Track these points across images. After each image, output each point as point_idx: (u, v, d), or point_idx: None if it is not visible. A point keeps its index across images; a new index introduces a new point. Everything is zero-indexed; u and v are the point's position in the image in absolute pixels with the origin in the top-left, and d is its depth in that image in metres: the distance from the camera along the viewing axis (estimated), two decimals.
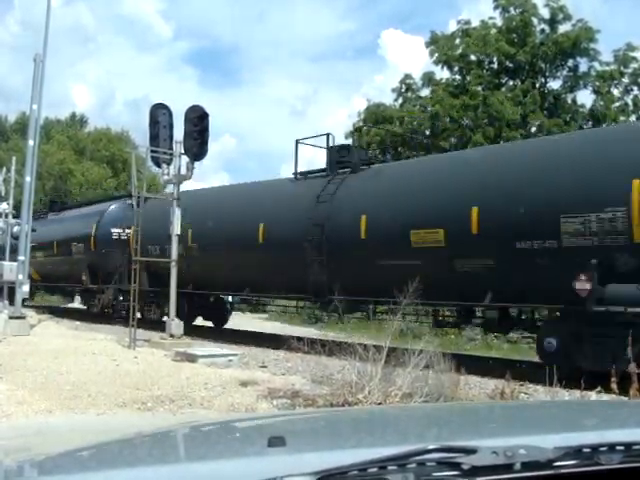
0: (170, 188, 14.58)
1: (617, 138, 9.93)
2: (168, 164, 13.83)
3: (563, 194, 9.29)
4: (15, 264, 14.62)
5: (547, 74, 26.16)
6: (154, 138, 13.65)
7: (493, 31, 25.96)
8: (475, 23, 26.81)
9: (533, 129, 24.40)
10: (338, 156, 13.76)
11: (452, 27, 31.54)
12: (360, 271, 11.78)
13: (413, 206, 11.19)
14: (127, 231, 18.27)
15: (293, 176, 14.48)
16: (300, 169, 14.48)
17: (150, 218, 14.43)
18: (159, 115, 13.71)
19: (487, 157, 11.56)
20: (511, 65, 25.80)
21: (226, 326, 18.29)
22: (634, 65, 24.42)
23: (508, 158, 10.84)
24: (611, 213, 8.86)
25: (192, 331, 14.77)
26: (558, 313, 10.16)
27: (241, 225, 13.66)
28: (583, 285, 8.96)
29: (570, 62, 25.31)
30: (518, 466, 1.09)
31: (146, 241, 16.24)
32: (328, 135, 14.23)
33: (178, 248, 13.07)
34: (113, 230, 19.16)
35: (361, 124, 27.68)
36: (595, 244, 9.02)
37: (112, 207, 20.58)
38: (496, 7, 26.00)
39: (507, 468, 1.09)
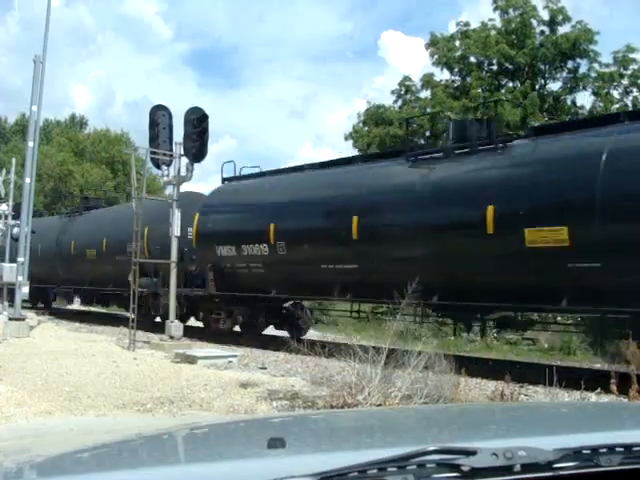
0: (170, 189, 14.62)
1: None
2: (168, 165, 13.84)
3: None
4: (15, 265, 14.61)
5: (547, 76, 26.16)
6: (154, 139, 13.65)
7: (493, 33, 25.97)
8: (475, 24, 26.83)
9: None
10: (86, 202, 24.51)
11: (452, 29, 31.51)
12: (78, 269, 21.59)
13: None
14: None
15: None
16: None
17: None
18: (159, 116, 13.71)
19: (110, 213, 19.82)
20: (511, 67, 25.80)
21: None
22: (633, 66, 24.41)
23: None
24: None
25: (192, 332, 14.79)
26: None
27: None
28: (130, 278, 14.81)
29: (570, 64, 25.30)
30: (518, 468, 1.09)
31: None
32: (82, 189, 22.78)
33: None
34: None
35: (361, 125, 27.70)
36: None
37: None
38: (495, 9, 26.04)
39: (507, 470, 1.09)
